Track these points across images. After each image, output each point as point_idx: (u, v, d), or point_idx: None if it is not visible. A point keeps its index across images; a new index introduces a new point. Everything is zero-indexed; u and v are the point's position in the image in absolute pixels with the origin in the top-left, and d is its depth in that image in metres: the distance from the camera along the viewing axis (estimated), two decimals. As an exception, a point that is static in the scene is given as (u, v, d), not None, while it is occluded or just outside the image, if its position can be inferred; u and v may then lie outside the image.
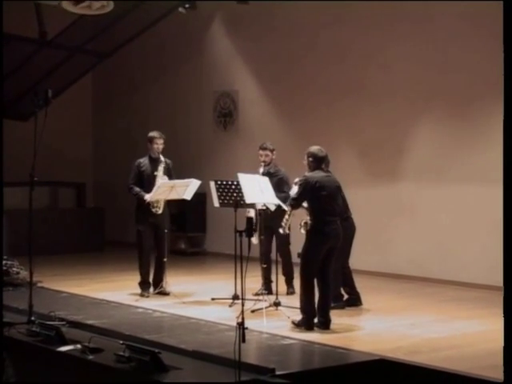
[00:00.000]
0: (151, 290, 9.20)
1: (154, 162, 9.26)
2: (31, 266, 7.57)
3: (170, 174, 9.29)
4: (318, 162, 7.64)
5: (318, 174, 7.54)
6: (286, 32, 12.14)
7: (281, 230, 7.96)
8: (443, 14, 10.31)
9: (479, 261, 9.96)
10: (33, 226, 7.39)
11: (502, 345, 6.82)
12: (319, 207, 7.45)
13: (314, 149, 7.71)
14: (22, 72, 13.24)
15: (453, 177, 10.31)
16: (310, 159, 7.64)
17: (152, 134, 9.35)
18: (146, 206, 9.07)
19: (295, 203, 7.63)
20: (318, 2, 11.55)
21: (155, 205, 9.07)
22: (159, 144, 9.25)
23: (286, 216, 7.90)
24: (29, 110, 11.34)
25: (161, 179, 9.09)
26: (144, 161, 9.34)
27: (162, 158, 9.22)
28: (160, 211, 9.10)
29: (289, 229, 8.06)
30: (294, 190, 7.69)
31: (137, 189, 9.19)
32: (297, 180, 7.70)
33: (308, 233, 7.45)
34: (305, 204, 7.61)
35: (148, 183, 9.15)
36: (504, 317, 3.45)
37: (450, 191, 10.33)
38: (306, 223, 7.45)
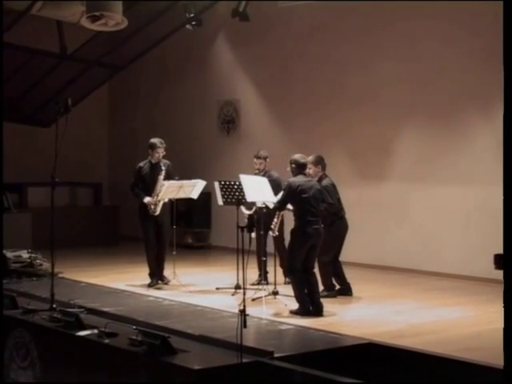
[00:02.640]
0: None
1: (154, 167, 9.14)
2: (53, 259, 7.58)
3: (170, 175, 9.15)
4: (300, 167, 7.64)
5: (299, 179, 7.53)
6: (283, 46, 12.15)
7: (270, 233, 8.00)
8: (427, 32, 10.34)
9: (459, 254, 9.98)
10: (54, 222, 7.40)
11: (484, 329, 6.85)
12: (302, 209, 7.45)
13: (296, 156, 7.73)
14: (45, 83, 13.28)
15: (434, 178, 10.33)
16: (293, 166, 7.67)
17: (153, 141, 9.21)
18: (147, 207, 9.05)
19: (280, 206, 7.69)
20: (312, 19, 11.60)
21: (152, 207, 9.01)
22: (160, 152, 9.12)
23: (275, 219, 7.94)
24: (51, 118, 11.33)
25: (159, 185, 8.98)
26: (144, 165, 9.24)
27: (162, 166, 9.07)
28: (157, 213, 9.02)
29: (278, 231, 8.11)
30: (280, 193, 7.72)
31: (137, 190, 9.18)
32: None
33: (292, 232, 7.48)
34: (290, 206, 7.65)
35: (149, 186, 9.09)
36: (504, 305, 3.41)
37: (432, 191, 10.35)
38: None
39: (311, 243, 7.44)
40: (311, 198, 7.47)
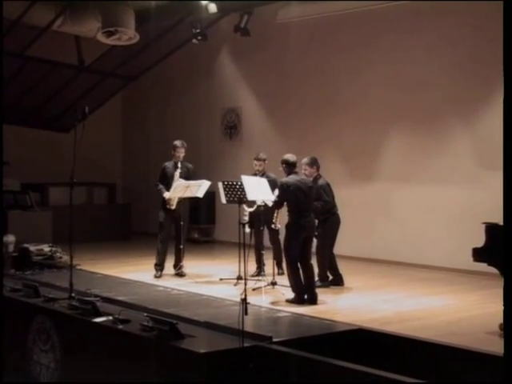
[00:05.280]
0: (167, 270, 9.15)
1: (176, 166, 9.23)
2: (71, 252, 7.58)
3: (190, 176, 9.20)
4: (290, 166, 7.59)
5: (292, 179, 7.48)
6: (280, 59, 12.14)
7: (273, 226, 7.98)
8: (411, 44, 10.33)
9: (441, 247, 9.97)
10: (73, 219, 7.38)
11: (464, 316, 6.84)
12: (295, 205, 7.42)
13: (287, 156, 7.67)
14: (64, 92, 13.28)
15: (418, 178, 10.32)
16: (284, 165, 7.61)
17: (175, 142, 9.29)
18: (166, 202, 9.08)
19: (276, 204, 7.67)
20: (306, 34, 11.59)
21: (170, 202, 9.03)
22: (180, 152, 9.18)
23: (275, 214, 7.91)
24: (70, 124, 11.35)
25: (176, 182, 9.06)
26: (169, 164, 9.31)
27: (179, 164, 9.15)
28: (173, 207, 9.02)
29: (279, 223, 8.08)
30: (276, 193, 7.69)
31: (160, 186, 9.20)
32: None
33: (287, 226, 7.45)
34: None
35: (169, 183, 9.14)
36: (504, 295, 3.37)
37: (417, 190, 10.34)
38: None
39: (305, 235, 7.40)
40: (303, 194, 7.44)
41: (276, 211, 7.97)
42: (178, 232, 9.21)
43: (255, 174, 8.90)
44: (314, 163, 8.34)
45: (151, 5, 11.16)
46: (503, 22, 3.30)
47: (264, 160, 9.06)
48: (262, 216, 8.55)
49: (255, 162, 9.05)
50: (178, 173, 9.13)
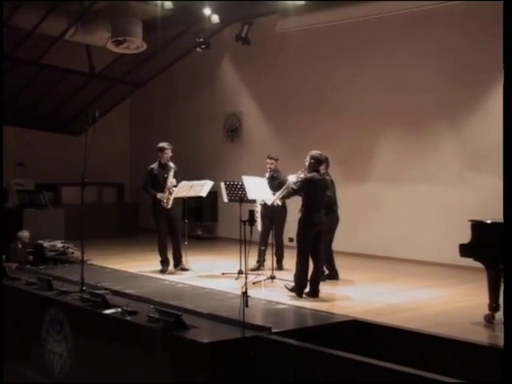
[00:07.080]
0: (171, 267, 9.12)
1: (163, 167, 9.03)
2: (83, 248, 7.60)
3: (177, 176, 9.08)
4: (318, 163, 7.49)
5: (315, 177, 7.42)
6: (279, 66, 12.15)
7: (271, 200, 7.87)
8: (402, 51, 10.34)
9: (431, 243, 9.97)
10: (84, 217, 7.39)
11: (451, 307, 6.85)
12: (310, 201, 7.39)
13: (316, 153, 7.51)
14: (76, 98, 13.29)
15: (409, 178, 10.33)
16: (312, 161, 7.45)
17: (162, 144, 9.11)
18: (159, 202, 8.96)
19: (293, 192, 7.50)
20: (303, 42, 11.59)
21: (165, 201, 8.92)
22: (168, 153, 9.03)
23: (278, 193, 7.84)
24: (81, 127, 11.37)
25: (170, 181, 8.95)
26: (155, 166, 9.10)
27: (171, 165, 9.03)
28: (169, 206, 8.91)
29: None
30: (293, 179, 7.55)
31: (149, 189, 9.04)
32: (299, 172, 7.56)
33: (299, 221, 7.43)
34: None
35: (159, 184, 8.97)
36: (504, 294, 3.37)
37: (407, 190, 10.35)
38: None
39: (316, 230, 7.36)
40: (319, 193, 7.43)
41: (281, 192, 7.83)
42: (175, 230, 9.13)
43: (268, 172, 8.87)
44: (324, 161, 8.35)
45: (158, 16, 11.18)
46: (503, 22, 3.23)
47: (276, 159, 9.02)
48: (268, 214, 8.57)
49: (267, 160, 9.01)
50: (171, 173, 8.96)
